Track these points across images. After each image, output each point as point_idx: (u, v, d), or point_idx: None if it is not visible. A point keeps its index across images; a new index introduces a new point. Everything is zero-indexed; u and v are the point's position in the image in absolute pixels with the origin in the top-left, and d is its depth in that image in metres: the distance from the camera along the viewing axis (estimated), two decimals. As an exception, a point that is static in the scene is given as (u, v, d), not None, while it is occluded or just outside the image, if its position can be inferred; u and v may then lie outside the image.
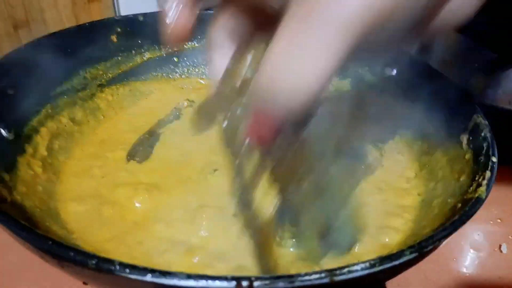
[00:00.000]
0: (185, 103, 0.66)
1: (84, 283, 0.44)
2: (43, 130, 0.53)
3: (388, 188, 0.53)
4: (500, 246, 0.57)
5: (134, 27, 0.65)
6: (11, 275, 0.48)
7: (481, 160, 0.44)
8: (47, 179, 0.49)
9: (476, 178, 0.42)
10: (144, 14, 0.65)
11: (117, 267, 0.30)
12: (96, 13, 0.89)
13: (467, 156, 0.47)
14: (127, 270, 0.30)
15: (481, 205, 0.37)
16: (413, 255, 0.33)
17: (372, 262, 0.32)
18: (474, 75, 0.51)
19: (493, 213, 0.61)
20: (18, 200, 0.42)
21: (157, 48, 0.67)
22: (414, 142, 0.58)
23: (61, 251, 0.31)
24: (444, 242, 0.35)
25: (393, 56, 0.61)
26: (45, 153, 0.51)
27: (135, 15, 0.64)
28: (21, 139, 0.50)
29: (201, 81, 0.70)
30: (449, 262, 0.55)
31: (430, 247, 0.34)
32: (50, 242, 0.31)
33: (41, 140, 0.52)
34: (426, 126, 0.56)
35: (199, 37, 0.69)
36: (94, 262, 0.30)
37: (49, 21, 0.83)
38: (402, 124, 0.60)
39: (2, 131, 0.47)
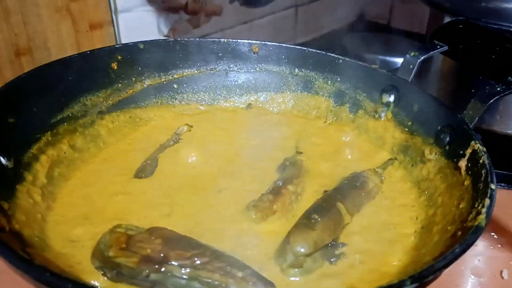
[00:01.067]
0: (185, 128, 0.66)
1: None
2: (43, 158, 0.53)
3: (387, 214, 0.52)
4: (501, 272, 0.57)
5: (134, 55, 0.65)
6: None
7: (480, 187, 0.44)
8: (46, 207, 0.49)
9: (476, 206, 0.42)
10: (144, 42, 0.65)
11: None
12: (98, 41, 0.90)
13: (466, 182, 0.47)
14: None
15: (481, 233, 0.37)
16: (414, 285, 0.33)
17: (372, 292, 0.32)
18: (471, 101, 0.52)
19: (494, 239, 0.61)
20: (16, 229, 0.42)
21: (157, 75, 0.68)
22: (413, 169, 0.58)
23: (60, 284, 0.31)
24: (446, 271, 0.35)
25: (391, 83, 0.62)
26: (45, 181, 0.51)
27: (135, 43, 0.65)
28: (21, 167, 0.50)
29: (201, 107, 0.70)
30: (451, 289, 0.54)
31: (431, 277, 0.34)
32: (48, 274, 0.31)
33: (41, 168, 0.52)
34: (424, 152, 0.56)
35: (198, 64, 0.70)
36: (93, 294, 0.30)
37: (52, 48, 0.84)
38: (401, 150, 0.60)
39: (2, 159, 0.47)
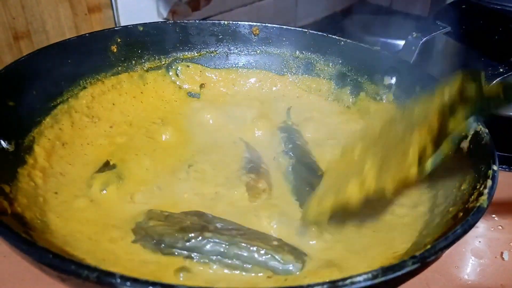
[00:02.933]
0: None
1: None
2: (44, 141, 0.53)
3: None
4: (501, 253, 0.57)
5: (134, 37, 0.65)
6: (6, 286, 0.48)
7: (482, 169, 0.43)
8: (48, 190, 0.49)
9: (477, 187, 0.42)
10: (144, 24, 0.65)
11: (118, 280, 0.30)
12: (96, 24, 0.89)
13: (468, 164, 0.47)
14: (128, 283, 0.30)
15: (482, 214, 0.37)
16: (415, 265, 0.33)
17: (374, 273, 0.32)
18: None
19: (495, 220, 0.61)
20: (18, 212, 0.42)
21: (157, 58, 0.67)
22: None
23: (62, 265, 0.31)
24: (446, 251, 0.35)
25: (392, 65, 0.61)
26: (46, 164, 0.51)
27: (135, 25, 0.65)
28: (22, 150, 0.50)
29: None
30: (451, 270, 0.54)
31: (433, 258, 0.34)
32: (51, 256, 0.31)
33: (42, 151, 0.52)
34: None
35: (198, 46, 0.70)
36: (95, 275, 0.30)
37: (50, 32, 0.83)
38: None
39: (3, 142, 0.47)
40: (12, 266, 0.49)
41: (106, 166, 0.54)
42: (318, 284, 0.31)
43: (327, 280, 0.31)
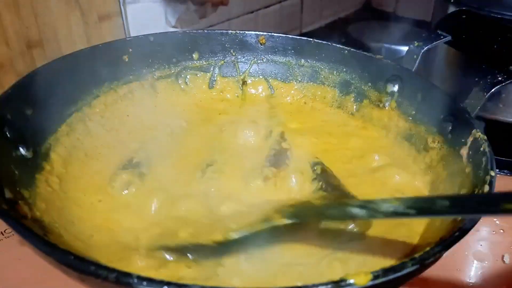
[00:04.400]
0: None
1: None
2: (60, 148, 0.55)
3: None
4: (502, 256, 0.58)
5: (144, 47, 0.67)
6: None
7: (480, 174, 0.45)
8: (64, 195, 0.51)
9: (475, 192, 0.44)
10: (154, 35, 0.67)
11: (135, 280, 0.32)
12: (106, 32, 0.91)
13: (467, 170, 0.48)
14: (144, 283, 0.32)
15: (479, 218, 0.39)
16: (415, 267, 0.35)
17: (375, 273, 0.33)
18: (473, 90, 0.53)
19: (496, 224, 0.63)
20: (37, 216, 0.44)
21: (166, 67, 0.69)
22: (416, 156, 0.59)
23: (83, 266, 0.33)
24: (445, 254, 0.37)
25: (395, 73, 0.63)
26: (63, 170, 0.53)
27: (146, 36, 0.67)
28: (39, 157, 0.52)
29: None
30: (453, 273, 0.56)
31: (431, 259, 0.35)
32: (72, 257, 0.33)
33: (58, 158, 0.54)
34: (427, 141, 0.57)
35: (206, 55, 0.72)
36: (114, 275, 0.32)
37: (62, 40, 0.85)
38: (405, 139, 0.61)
39: (22, 150, 0.49)
40: (28, 269, 0.51)
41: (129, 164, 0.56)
42: (322, 284, 0.32)
43: (330, 281, 0.33)
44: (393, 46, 1.14)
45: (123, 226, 0.48)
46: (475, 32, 0.60)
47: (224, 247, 0.44)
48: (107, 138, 0.61)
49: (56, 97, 0.57)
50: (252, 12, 1.14)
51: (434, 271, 0.54)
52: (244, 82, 0.72)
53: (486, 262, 0.58)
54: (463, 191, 0.47)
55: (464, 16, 0.61)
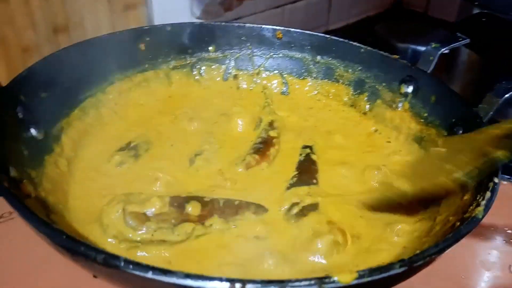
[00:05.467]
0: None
1: (94, 276, 0.47)
2: (72, 131, 0.56)
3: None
4: (510, 266, 0.57)
5: (161, 37, 0.68)
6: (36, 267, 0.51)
7: (484, 180, 0.44)
8: (71, 177, 0.52)
9: (477, 198, 0.43)
10: (172, 25, 0.68)
11: (122, 263, 0.33)
12: (132, 21, 0.92)
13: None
14: (131, 266, 0.32)
15: (476, 224, 0.38)
16: (402, 268, 0.34)
17: (361, 273, 0.33)
18: (486, 95, 0.52)
19: (507, 233, 0.61)
20: (42, 196, 0.46)
21: (182, 57, 0.70)
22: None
23: (73, 246, 0.34)
24: (439, 257, 0.37)
25: (410, 73, 0.62)
26: (72, 153, 0.55)
27: (163, 25, 0.68)
28: (50, 139, 0.53)
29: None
30: (460, 280, 0.55)
31: (420, 262, 0.35)
32: (64, 237, 0.34)
33: (68, 141, 0.55)
34: (438, 144, 0.56)
35: (222, 48, 0.72)
36: (102, 257, 0.33)
37: (88, 27, 0.87)
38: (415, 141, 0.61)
39: (33, 131, 0.51)
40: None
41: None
42: (306, 280, 0.32)
43: (314, 277, 0.33)
44: (420, 48, 1.12)
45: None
46: (494, 35, 0.59)
47: None
48: (119, 124, 0.62)
49: (71, 82, 0.58)
50: (278, 7, 1.14)
51: (441, 278, 0.53)
52: (258, 76, 0.72)
53: (493, 271, 0.57)
54: (466, 197, 0.46)
55: (484, 19, 0.59)
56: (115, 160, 0.55)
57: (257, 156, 0.58)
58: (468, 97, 0.56)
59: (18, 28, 0.78)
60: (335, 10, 1.29)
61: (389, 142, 0.64)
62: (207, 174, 0.56)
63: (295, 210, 0.51)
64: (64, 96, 0.57)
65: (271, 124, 0.64)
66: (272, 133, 0.62)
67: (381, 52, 0.65)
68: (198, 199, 0.51)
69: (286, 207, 0.51)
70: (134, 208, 0.48)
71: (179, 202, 0.50)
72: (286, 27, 0.70)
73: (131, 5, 0.92)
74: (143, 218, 0.48)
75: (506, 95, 0.49)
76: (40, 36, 0.82)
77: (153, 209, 0.48)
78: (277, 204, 0.52)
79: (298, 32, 0.70)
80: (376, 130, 0.66)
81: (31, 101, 0.52)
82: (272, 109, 0.67)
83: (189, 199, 0.50)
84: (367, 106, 0.67)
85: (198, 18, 0.95)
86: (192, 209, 0.49)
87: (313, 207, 0.51)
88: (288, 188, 0.54)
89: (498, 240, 0.61)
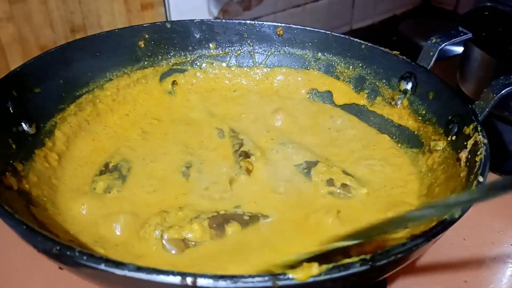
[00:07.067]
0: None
1: (60, 268, 0.48)
2: (65, 126, 0.57)
3: (390, 202, 0.52)
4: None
5: (161, 34, 0.68)
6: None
7: (470, 179, 0.42)
8: (61, 172, 0.53)
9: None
10: (172, 22, 0.68)
11: (77, 254, 0.33)
12: (148, 21, 0.92)
13: (462, 174, 0.45)
14: (84, 258, 0.33)
15: (450, 225, 0.36)
16: (364, 267, 0.33)
17: (317, 270, 0.32)
18: (484, 91, 0.49)
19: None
20: (25, 189, 0.46)
21: (182, 54, 0.70)
22: (419, 158, 0.56)
23: (31, 236, 0.34)
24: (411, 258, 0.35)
25: (410, 69, 0.60)
26: (64, 148, 0.56)
27: (163, 23, 0.68)
28: (42, 133, 0.54)
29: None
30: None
31: (384, 262, 0.33)
32: (24, 227, 0.35)
33: (62, 136, 0.56)
34: (433, 142, 0.54)
35: (223, 45, 0.72)
36: (57, 248, 0.33)
37: (105, 26, 0.89)
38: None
39: (24, 125, 0.52)
40: (39, 269, 0.52)
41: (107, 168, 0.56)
42: (259, 276, 0.32)
43: (269, 273, 0.32)
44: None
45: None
46: (496, 30, 0.56)
47: None
48: (114, 120, 0.63)
49: (67, 77, 0.59)
50: (299, 6, 1.12)
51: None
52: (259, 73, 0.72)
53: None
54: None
55: (486, 13, 0.57)
56: (100, 186, 0.52)
57: (248, 160, 0.57)
58: (462, 94, 0.54)
59: (36, 27, 0.80)
60: (359, 9, 1.26)
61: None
62: (211, 185, 0.54)
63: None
64: (59, 92, 0.58)
65: (233, 131, 0.63)
66: (241, 136, 0.62)
67: (381, 48, 0.63)
68: (235, 217, 0.49)
69: None
70: (173, 235, 0.46)
71: (218, 223, 0.48)
72: (287, 24, 0.69)
73: (148, 5, 0.92)
74: (183, 245, 0.46)
75: (502, 92, 0.47)
76: (58, 35, 0.84)
77: (192, 235, 0.46)
78: None
79: (299, 28, 0.69)
80: None
81: (23, 96, 0.53)
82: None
83: (228, 218, 0.48)
84: (367, 104, 0.65)
85: (216, 18, 0.95)
86: (232, 231, 0.47)
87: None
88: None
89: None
